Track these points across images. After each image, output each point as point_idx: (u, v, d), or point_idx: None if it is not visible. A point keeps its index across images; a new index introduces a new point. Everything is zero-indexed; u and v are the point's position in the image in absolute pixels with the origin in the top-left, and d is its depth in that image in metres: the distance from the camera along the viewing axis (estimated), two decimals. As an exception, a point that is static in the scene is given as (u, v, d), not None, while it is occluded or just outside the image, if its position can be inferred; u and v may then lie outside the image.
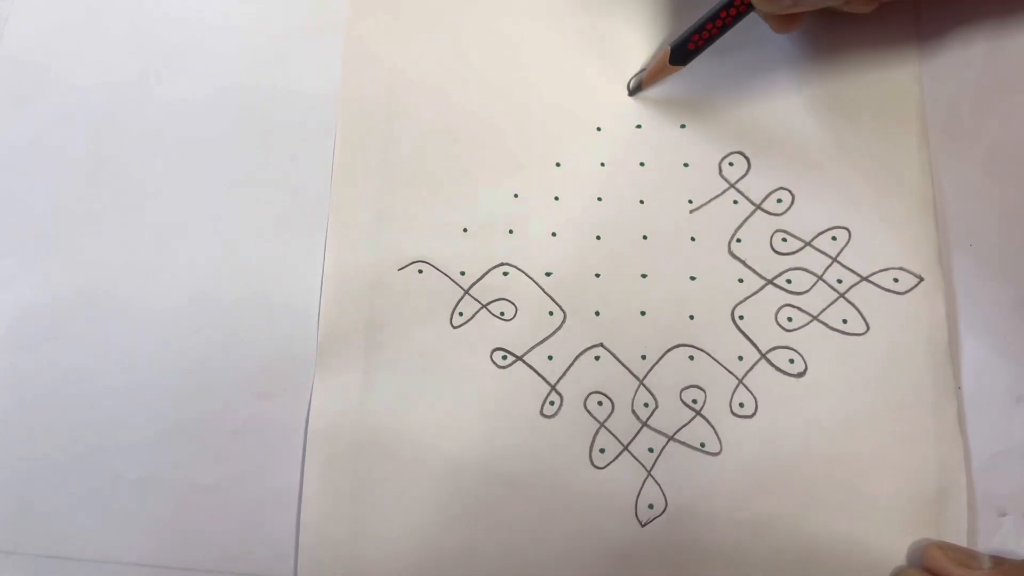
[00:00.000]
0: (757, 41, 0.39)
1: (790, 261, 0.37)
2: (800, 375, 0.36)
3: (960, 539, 0.34)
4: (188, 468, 0.35)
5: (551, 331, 0.36)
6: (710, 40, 0.37)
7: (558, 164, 0.38)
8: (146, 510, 0.35)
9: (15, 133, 0.39)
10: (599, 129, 0.39)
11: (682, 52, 0.37)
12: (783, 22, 0.36)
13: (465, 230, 0.37)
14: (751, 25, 0.36)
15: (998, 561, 0.32)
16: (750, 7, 0.35)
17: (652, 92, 0.39)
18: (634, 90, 0.39)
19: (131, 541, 0.34)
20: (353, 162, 0.38)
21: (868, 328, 0.36)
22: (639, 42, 0.40)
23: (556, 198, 0.38)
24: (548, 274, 0.37)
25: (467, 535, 0.34)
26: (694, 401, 0.36)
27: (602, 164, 0.39)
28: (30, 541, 0.34)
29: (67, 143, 0.39)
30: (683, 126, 0.39)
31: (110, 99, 0.39)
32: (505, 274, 0.37)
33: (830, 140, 0.38)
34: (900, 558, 0.34)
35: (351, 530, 0.34)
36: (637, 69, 0.40)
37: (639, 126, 0.39)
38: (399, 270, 0.37)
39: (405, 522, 0.34)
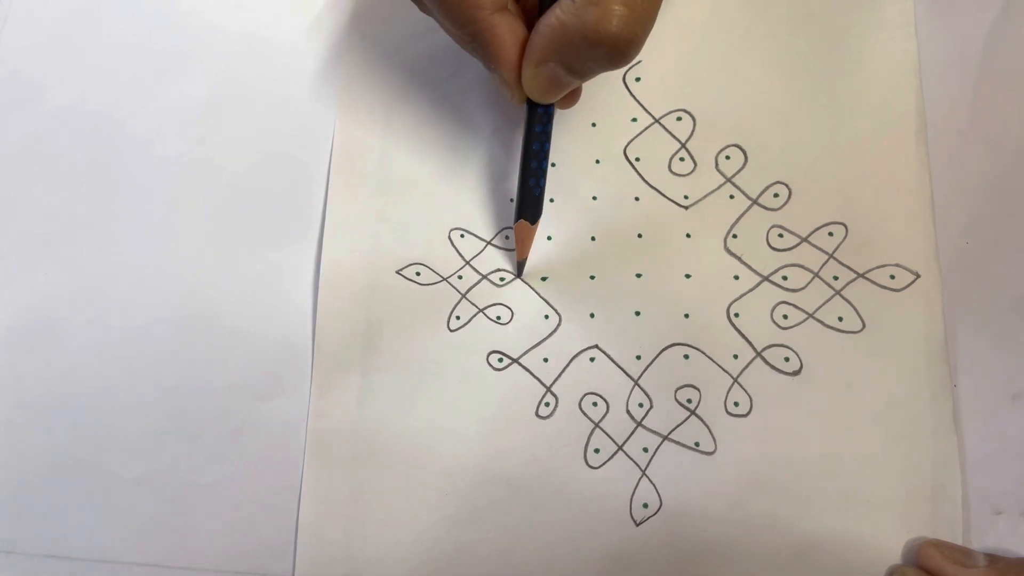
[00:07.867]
0: (755, 40, 0.39)
1: (786, 257, 0.37)
2: (795, 373, 0.36)
3: (955, 537, 0.34)
4: (187, 468, 0.35)
5: (546, 334, 0.36)
6: (540, 176, 0.34)
7: (553, 164, 0.38)
8: (144, 510, 0.35)
9: (14, 134, 0.39)
10: (593, 125, 0.39)
11: (524, 208, 0.35)
12: (565, 101, 0.34)
13: (463, 236, 0.37)
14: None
15: (993, 559, 0.33)
16: (544, 109, 0.33)
17: (649, 82, 0.39)
18: (520, 270, 0.37)
19: (129, 541, 0.35)
20: (350, 164, 0.38)
21: (864, 326, 0.36)
22: None
23: (551, 200, 0.38)
24: (544, 279, 0.37)
25: (463, 536, 0.34)
26: (689, 401, 0.35)
27: (597, 161, 0.38)
28: (28, 541, 0.35)
29: (65, 145, 0.39)
30: (679, 119, 0.39)
31: (108, 101, 0.39)
32: (501, 279, 0.37)
33: (828, 135, 0.38)
34: (896, 556, 0.34)
35: (348, 530, 0.34)
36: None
37: (634, 119, 0.39)
38: (396, 272, 0.37)
39: (402, 523, 0.34)
